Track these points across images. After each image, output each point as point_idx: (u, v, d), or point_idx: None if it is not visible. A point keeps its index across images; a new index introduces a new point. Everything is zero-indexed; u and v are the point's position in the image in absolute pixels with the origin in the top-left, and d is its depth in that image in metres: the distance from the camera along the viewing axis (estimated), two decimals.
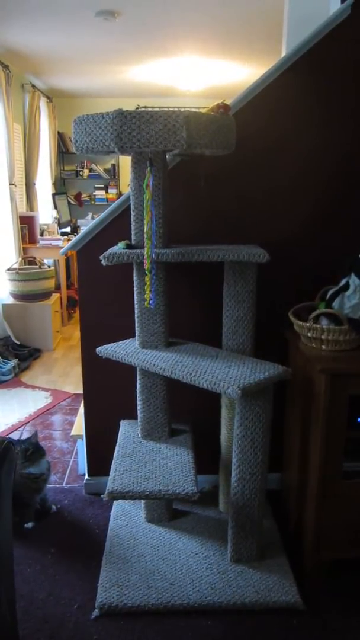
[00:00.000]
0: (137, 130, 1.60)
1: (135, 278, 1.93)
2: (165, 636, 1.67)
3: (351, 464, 1.84)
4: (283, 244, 2.19)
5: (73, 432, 2.62)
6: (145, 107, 6.67)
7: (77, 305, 5.78)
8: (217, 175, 2.12)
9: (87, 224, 6.34)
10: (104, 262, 1.81)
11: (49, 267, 4.89)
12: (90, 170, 7.13)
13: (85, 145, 1.71)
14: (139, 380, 2.03)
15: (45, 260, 5.22)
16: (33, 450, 2.18)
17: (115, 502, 2.31)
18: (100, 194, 7.17)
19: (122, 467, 1.87)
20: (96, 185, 7.19)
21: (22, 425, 3.17)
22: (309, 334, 1.89)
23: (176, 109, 1.61)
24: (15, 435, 3.02)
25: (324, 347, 1.88)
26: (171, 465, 1.88)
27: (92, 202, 7.21)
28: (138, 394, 2.05)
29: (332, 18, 2.00)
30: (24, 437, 2.32)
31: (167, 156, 1.90)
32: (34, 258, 4.94)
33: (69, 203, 7.03)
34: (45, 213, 6.29)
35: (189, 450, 1.99)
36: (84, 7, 3.53)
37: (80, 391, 3.49)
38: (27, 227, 5.36)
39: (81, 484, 2.49)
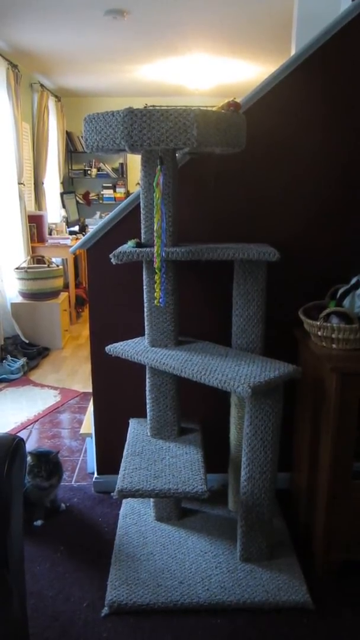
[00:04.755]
0: (147, 128, 1.60)
1: (145, 276, 1.93)
2: (174, 634, 1.67)
3: None
4: (293, 243, 2.18)
5: (82, 431, 2.63)
6: (154, 106, 6.67)
7: (85, 304, 5.79)
8: (227, 173, 2.12)
9: (95, 223, 6.38)
10: (113, 261, 1.81)
11: (58, 266, 4.91)
12: (99, 169, 7.14)
13: (95, 144, 1.71)
14: (149, 378, 2.03)
15: (54, 259, 5.24)
16: (52, 469, 2.20)
17: (124, 501, 2.31)
18: (108, 193, 7.19)
19: (131, 465, 1.87)
20: (104, 184, 7.21)
21: (31, 423, 3.18)
22: (319, 333, 1.88)
23: (186, 107, 1.60)
24: (24, 434, 3.03)
25: (334, 346, 1.87)
26: (181, 464, 1.88)
27: (100, 201, 7.23)
28: (147, 393, 2.05)
29: (342, 16, 1.99)
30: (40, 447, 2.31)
31: (177, 154, 1.90)
32: (43, 257, 4.96)
33: (77, 202, 7.06)
34: (54, 212, 6.31)
35: (199, 448, 1.99)
36: (93, 6, 3.54)
37: (89, 390, 3.51)
38: (35, 226, 5.39)
39: (90, 482, 2.49)
